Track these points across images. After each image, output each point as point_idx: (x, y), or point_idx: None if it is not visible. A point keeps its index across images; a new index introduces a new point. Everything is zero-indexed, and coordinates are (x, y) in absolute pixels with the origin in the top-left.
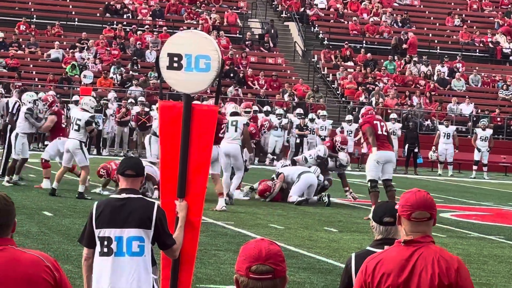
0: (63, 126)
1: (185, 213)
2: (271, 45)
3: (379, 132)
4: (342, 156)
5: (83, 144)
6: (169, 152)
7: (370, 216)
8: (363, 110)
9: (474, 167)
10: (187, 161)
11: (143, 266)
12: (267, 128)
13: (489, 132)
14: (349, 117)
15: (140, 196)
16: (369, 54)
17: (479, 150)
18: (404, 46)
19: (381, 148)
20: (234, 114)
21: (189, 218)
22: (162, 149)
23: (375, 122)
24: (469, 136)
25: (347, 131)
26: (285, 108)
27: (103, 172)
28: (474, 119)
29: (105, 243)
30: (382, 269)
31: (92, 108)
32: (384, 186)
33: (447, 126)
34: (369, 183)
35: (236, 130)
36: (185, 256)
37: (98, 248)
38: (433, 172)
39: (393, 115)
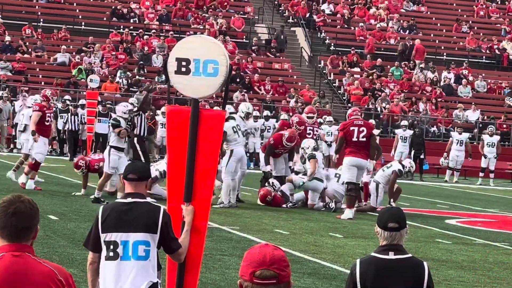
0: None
1: (192, 217)
2: (278, 50)
3: (354, 139)
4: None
5: (112, 149)
6: (176, 156)
7: (342, 216)
8: (349, 111)
9: (481, 174)
10: (194, 166)
11: (148, 269)
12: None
13: (496, 138)
14: None
15: (146, 200)
16: (379, 60)
17: (485, 156)
18: (411, 52)
19: (353, 155)
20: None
21: (195, 223)
22: (169, 154)
23: (352, 128)
24: (475, 143)
25: None
26: (291, 114)
27: (82, 164)
28: (480, 125)
29: (111, 247)
30: None
31: (124, 113)
32: (345, 188)
33: (460, 133)
34: (346, 185)
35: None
36: (190, 261)
37: (104, 252)
38: (439, 178)
39: (404, 122)
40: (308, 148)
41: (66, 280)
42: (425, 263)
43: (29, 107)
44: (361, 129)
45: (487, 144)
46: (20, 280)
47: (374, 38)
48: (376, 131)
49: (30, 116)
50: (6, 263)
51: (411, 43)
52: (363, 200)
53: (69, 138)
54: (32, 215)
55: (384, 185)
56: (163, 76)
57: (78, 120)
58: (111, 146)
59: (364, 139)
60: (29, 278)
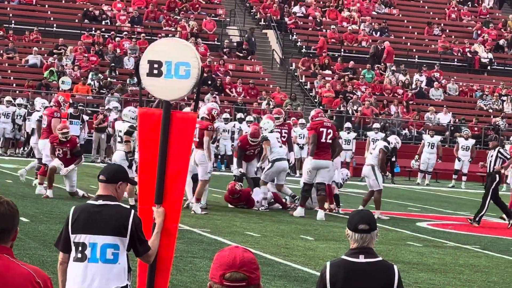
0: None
1: (162, 219)
2: (249, 53)
3: (322, 139)
4: None
5: (128, 155)
6: (147, 158)
7: (294, 213)
8: (312, 113)
9: (454, 176)
10: (165, 168)
11: (116, 273)
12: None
13: (471, 142)
14: None
15: (117, 203)
16: (351, 62)
17: (459, 159)
18: (382, 55)
19: (316, 157)
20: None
21: (166, 225)
22: (141, 156)
23: (321, 129)
24: (446, 146)
25: None
26: (262, 116)
27: (66, 131)
28: (452, 128)
29: (80, 248)
30: None
31: (133, 118)
32: (315, 189)
33: (432, 136)
34: (303, 185)
35: None
36: (161, 263)
37: (72, 253)
38: (410, 181)
39: (376, 125)
40: (266, 130)
41: (44, 282)
42: (395, 266)
43: (38, 110)
44: (328, 131)
45: (461, 148)
46: None
47: (325, 39)
48: (352, 135)
49: (36, 120)
50: None
51: (382, 46)
52: (334, 203)
53: None
54: (12, 217)
55: (377, 166)
56: (135, 78)
57: None
58: (126, 152)
59: (330, 141)
60: (7, 280)
